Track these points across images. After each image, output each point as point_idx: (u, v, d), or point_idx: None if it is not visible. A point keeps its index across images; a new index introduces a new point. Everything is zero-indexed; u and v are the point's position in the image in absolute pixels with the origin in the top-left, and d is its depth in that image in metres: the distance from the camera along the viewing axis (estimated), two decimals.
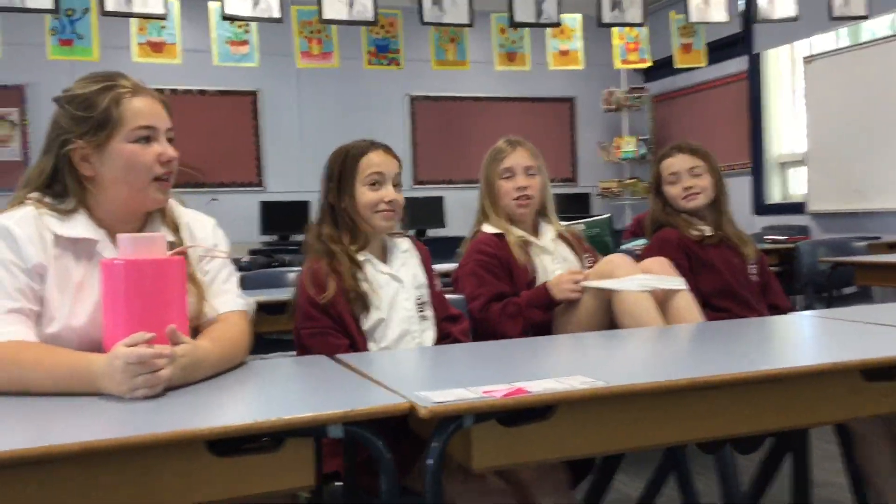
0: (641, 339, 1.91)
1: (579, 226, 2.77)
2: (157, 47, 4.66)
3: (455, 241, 2.53)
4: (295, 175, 7.39)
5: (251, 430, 1.12)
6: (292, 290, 1.97)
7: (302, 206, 7.06)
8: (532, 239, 2.38)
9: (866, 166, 5.93)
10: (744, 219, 2.62)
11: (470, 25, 4.38)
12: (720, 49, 6.76)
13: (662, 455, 2.13)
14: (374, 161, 1.93)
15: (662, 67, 6.89)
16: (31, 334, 1.39)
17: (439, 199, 7.62)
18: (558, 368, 1.56)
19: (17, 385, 1.31)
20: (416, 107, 7.94)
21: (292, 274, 3.40)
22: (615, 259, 2.20)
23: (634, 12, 4.59)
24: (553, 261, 2.36)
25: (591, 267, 2.34)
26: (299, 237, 7.01)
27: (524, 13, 4.39)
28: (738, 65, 7.22)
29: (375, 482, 1.24)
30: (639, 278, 2.09)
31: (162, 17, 3.88)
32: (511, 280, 2.28)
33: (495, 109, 8.14)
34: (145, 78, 1.59)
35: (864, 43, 6.09)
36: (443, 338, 1.99)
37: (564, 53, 5.56)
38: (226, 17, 3.93)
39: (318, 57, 4.93)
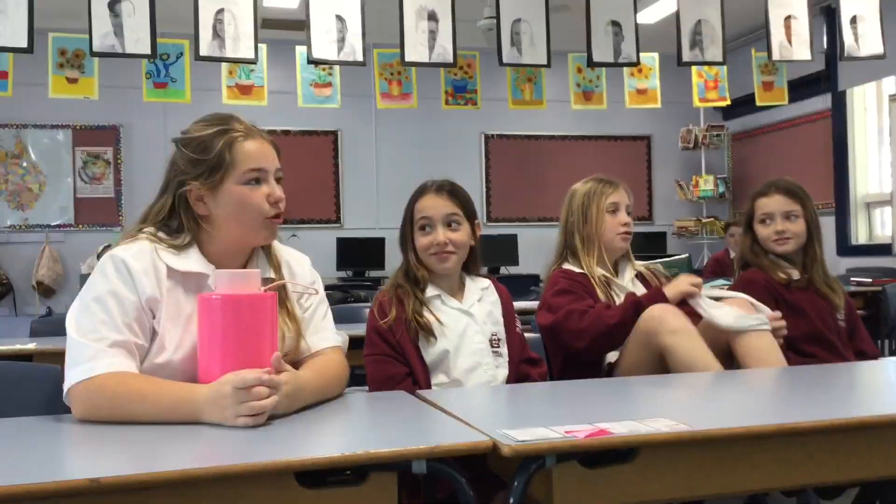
0: (726, 382, 1.88)
1: (657, 266, 2.76)
2: (245, 90, 4.85)
3: (529, 279, 2.54)
4: (372, 212, 7.53)
5: (338, 463, 1.15)
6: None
7: (378, 243, 7.17)
8: (613, 278, 2.38)
9: None
10: (828, 260, 2.55)
11: (547, 66, 4.41)
12: (802, 87, 6.63)
13: (744, 502, 2.08)
14: (423, 205, 2.00)
15: (743, 105, 6.79)
16: (133, 366, 1.44)
17: (514, 237, 7.63)
18: (640, 410, 1.55)
19: (120, 414, 1.37)
20: (490, 145, 8.01)
21: (367, 309, 3.45)
22: (660, 312, 2.18)
23: (714, 51, 4.55)
24: None
25: None
26: (374, 273, 7.15)
27: (602, 53, 4.40)
28: (821, 102, 7.06)
29: None
30: (735, 314, 2.09)
31: (252, 62, 4.04)
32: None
33: (570, 148, 8.15)
34: None
35: None
36: (521, 379, 2.00)
37: (642, 92, 5.53)
38: (311, 61, 4.06)
39: (397, 98, 5.04)
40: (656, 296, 2.18)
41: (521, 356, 2.04)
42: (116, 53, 3.76)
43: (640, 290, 2.40)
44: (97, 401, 1.38)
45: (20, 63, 4.10)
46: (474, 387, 1.91)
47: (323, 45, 3.98)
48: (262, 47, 4.29)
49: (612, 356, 2.27)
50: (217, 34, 3.86)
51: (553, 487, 1.21)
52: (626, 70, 5.33)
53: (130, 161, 7.14)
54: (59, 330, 1.97)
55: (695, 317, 2.17)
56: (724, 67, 5.44)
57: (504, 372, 1.99)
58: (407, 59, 4.07)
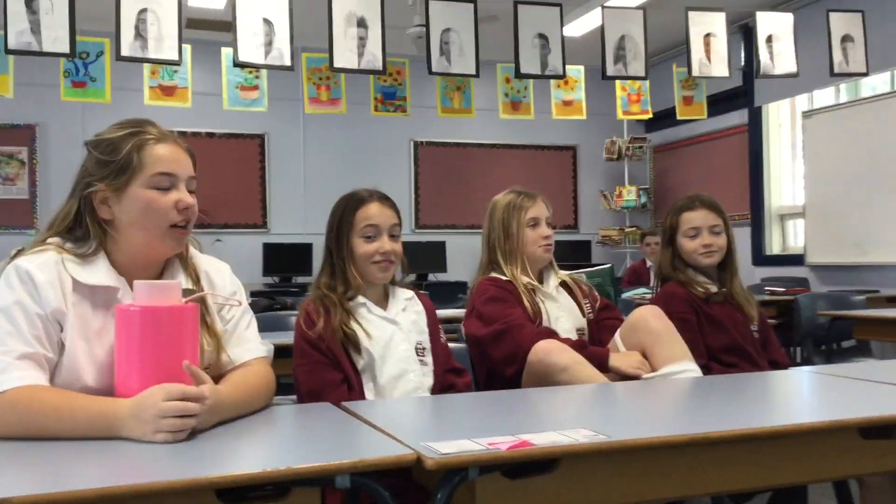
0: (646, 392, 1.93)
1: (581, 275, 2.81)
2: (168, 91, 4.75)
3: (457, 287, 2.56)
4: (299, 217, 7.46)
5: (260, 479, 1.13)
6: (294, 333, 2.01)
7: (305, 249, 7.11)
8: (538, 286, 2.42)
9: (865, 220, 5.99)
10: (743, 270, 2.64)
11: (476, 76, 4.46)
12: (721, 102, 6.87)
13: None
14: (369, 213, 1.99)
15: (664, 118, 7.00)
16: (43, 379, 1.39)
17: (442, 244, 7.67)
18: (562, 421, 1.58)
19: (33, 430, 1.32)
20: (419, 152, 8.03)
21: (294, 318, 3.41)
22: (646, 314, 2.23)
23: (637, 66, 4.68)
24: (558, 308, 2.40)
25: (591, 312, 2.42)
26: (301, 279, 7.07)
27: (529, 65, 4.47)
28: (738, 117, 7.33)
29: None
30: (679, 367, 2.11)
31: (176, 63, 3.95)
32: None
33: (499, 156, 8.24)
34: (156, 120, 1.61)
35: (864, 98, 6.20)
36: (446, 389, 2.01)
37: (568, 103, 5.65)
38: (238, 64, 4.00)
39: (326, 103, 5.01)
40: (601, 358, 2.16)
41: (446, 366, 2.06)
42: (33, 52, 3.64)
43: (565, 297, 2.45)
44: (8, 417, 1.32)
45: None
46: (400, 397, 1.92)
47: (250, 48, 3.93)
48: (187, 48, 4.20)
49: None
50: (139, 34, 3.76)
51: (476, 499, 1.22)
52: (552, 81, 5.43)
53: (46, 162, 6.91)
54: None
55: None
56: (647, 82, 5.61)
57: (430, 381, 2.00)
58: (336, 65, 4.05)
